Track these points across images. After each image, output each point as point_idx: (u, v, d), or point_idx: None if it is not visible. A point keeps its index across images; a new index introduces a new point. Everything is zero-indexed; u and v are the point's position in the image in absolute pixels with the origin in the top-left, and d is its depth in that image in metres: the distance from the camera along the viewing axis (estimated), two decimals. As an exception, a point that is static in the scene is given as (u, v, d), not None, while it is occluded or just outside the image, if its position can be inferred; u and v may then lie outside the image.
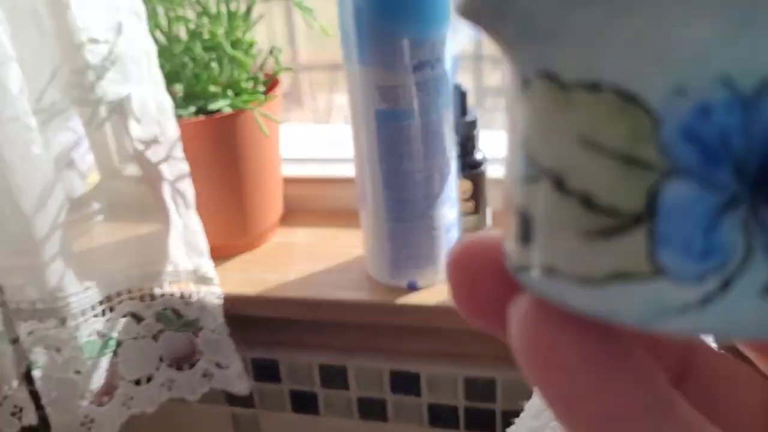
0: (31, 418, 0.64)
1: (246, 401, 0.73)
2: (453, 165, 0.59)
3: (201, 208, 0.61)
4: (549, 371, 0.11)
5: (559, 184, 0.10)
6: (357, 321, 0.65)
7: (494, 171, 0.72)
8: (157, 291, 0.62)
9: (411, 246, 0.59)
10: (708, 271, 0.09)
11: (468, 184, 0.64)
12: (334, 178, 0.74)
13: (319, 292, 0.63)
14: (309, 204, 0.75)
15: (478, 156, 0.64)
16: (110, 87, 0.54)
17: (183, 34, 0.62)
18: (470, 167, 0.64)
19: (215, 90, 0.62)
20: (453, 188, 0.60)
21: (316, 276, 0.65)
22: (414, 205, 0.57)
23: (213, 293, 0.62)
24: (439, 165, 0.56)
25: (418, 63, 0.52)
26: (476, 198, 0.65)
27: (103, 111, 0.55)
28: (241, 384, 0.67)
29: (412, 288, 0.60)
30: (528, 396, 0.33)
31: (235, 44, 0.62)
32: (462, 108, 0.62)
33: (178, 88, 0.62)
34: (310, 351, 0.70)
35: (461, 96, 0.62)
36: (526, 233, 0.11)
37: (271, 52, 0.65)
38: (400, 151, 0.55)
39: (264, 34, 0.87)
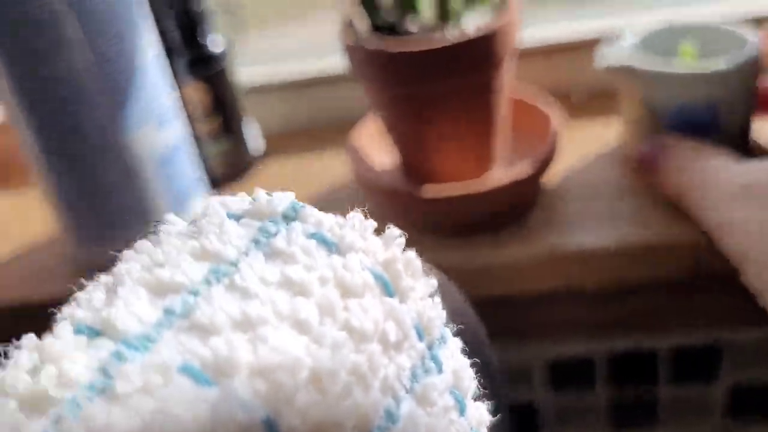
0: None
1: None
2: (153, 56, 0.36)
3: None
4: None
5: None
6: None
7: (262, 69, 0.50)
8: None
9: (95, 203, 0.36)
10: None
11: (202, 91, 0.42)
12: None
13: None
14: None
15: (213, 47, 0.42)
16: None
17: None
18: (202, 63, 0.41)
19: None
20: (162, 97, 0.37)
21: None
22: (85, 133, 0.34)
23: None
24: (113, 55, 0.34)
25: None
26: (221, 111, 0.42)
27: None
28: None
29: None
30: None
31: None
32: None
33: None
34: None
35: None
36: None
37: None
38: (24, 40, 0.32)
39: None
